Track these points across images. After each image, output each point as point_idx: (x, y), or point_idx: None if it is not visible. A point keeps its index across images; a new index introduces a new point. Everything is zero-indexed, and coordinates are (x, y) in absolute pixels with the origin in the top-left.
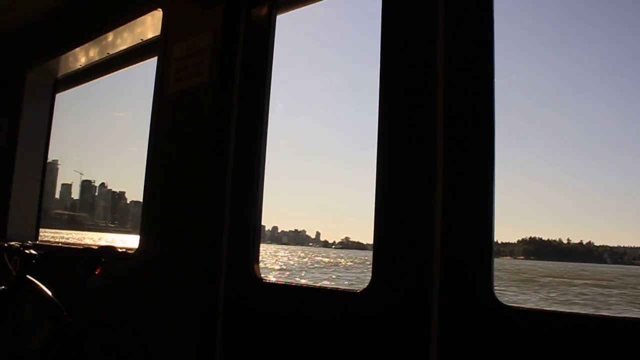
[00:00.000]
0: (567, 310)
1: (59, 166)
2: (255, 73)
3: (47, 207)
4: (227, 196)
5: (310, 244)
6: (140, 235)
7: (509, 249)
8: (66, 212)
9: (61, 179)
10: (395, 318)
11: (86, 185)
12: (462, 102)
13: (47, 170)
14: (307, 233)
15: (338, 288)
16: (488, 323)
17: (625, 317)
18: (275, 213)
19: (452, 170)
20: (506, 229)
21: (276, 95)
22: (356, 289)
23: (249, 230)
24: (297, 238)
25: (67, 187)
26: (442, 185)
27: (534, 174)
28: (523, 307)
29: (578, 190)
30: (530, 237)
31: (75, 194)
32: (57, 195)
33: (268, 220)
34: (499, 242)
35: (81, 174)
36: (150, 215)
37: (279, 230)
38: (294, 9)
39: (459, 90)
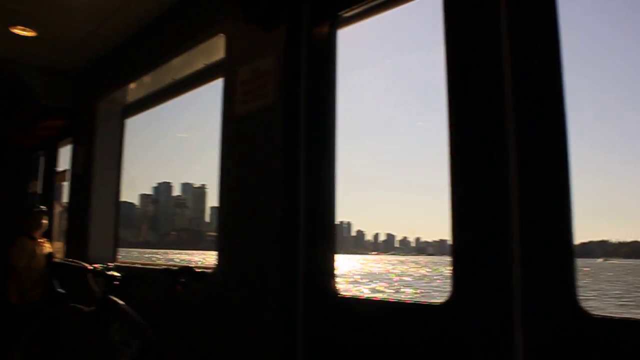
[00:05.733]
0: None
1: (207, 190)
2: (320, 90)
3: (199, 230)
4: (301, 212)
5: None
6: (217, 254)
7: None
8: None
9: (210, 202)
10: (478, 330)
11: None
12: (532, 99)
13: (197, 195)
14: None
15: (418, 302)
16: (573, 334)
17: None
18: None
19: (526, 175)
20: None
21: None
22: (436, 302)
23: (324, 247)
24: (442, 248)
25: (216, 210)
26: (518, 191)
27: None
28: (610, 317)
29: None
30: None
31: None
32: (206, 219)
33: (411, 232)
34: None
35: None
36: (226, 234)
37: (422, 240)
38: (355, 23)
39: (528, 86)
